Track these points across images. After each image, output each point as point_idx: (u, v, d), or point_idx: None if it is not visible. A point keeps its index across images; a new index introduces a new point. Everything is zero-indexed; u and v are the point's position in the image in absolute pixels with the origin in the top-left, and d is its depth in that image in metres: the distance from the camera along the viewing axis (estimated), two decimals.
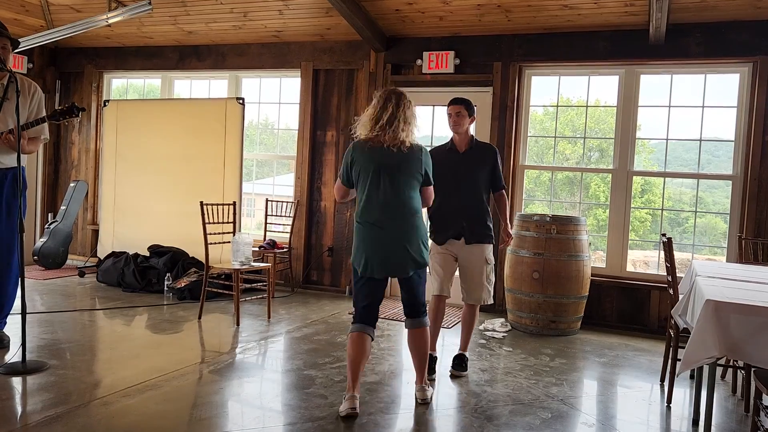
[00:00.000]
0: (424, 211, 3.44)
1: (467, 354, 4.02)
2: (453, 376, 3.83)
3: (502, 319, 5.39)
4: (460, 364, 3.91)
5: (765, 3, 4.82)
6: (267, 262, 5.89)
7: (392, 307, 5.75)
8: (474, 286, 3.89)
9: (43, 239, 7.10)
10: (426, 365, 3.37)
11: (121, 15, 6.11)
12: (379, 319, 5.16)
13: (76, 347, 4.11)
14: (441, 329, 4.21)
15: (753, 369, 2.61)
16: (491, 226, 3.93)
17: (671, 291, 3.71)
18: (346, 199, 3.41)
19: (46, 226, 7.25)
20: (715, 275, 3.33)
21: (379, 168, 3.15)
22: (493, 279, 3.97)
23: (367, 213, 3.19)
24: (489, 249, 3.91)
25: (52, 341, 4.19)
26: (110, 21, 6.20)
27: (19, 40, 4.03)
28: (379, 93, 3.24)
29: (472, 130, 4.01)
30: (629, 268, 5.69)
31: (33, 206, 7.65)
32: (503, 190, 4.03)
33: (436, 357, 3.97)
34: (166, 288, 5.87)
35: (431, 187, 3.35)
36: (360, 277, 3.24)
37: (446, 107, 3.94)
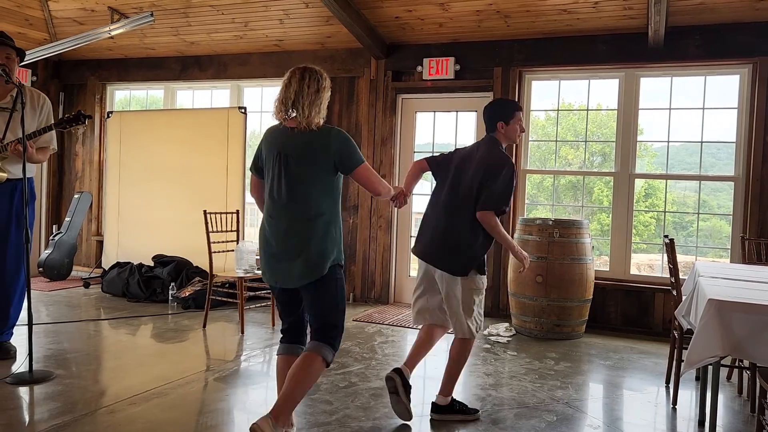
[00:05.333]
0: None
1: (453, 398, 3.21)
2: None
3: (507, 324, 5.39)
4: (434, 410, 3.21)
5: (763, 4, 4.84)
6: None
7: (396, 314, 5.75)
8: (449, 312, 3.19)
9: (48, 251, 7.13)
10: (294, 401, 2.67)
11: (124, 27, 6.17)
12: (383, 325, 5.21)
13: (82, 357, 4.12)
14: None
15: (757, 367, 2.61)
16: (470, 257, 3.08)
17: (674, 292, 3.72)
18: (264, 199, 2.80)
19: (51, 237, 7.28)
20: (717, 275, 3.34)
21: (278, 155, 2.66)
22: (475, 310, 3.13)
23: (265, 209, 2.74)
24: (459, 283, 3.09)
25: (58, 351, 4.20)
26: (113, 33, 6.26)
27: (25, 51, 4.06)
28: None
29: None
30: (633, 271, 5.68)
31: (38, 218, 7.67)
32: (487, 212, 3.05)
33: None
34: (170, 297, 5.89)
35: (362, 170, 2.69)
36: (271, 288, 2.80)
37: (518, 112, 3.24)
